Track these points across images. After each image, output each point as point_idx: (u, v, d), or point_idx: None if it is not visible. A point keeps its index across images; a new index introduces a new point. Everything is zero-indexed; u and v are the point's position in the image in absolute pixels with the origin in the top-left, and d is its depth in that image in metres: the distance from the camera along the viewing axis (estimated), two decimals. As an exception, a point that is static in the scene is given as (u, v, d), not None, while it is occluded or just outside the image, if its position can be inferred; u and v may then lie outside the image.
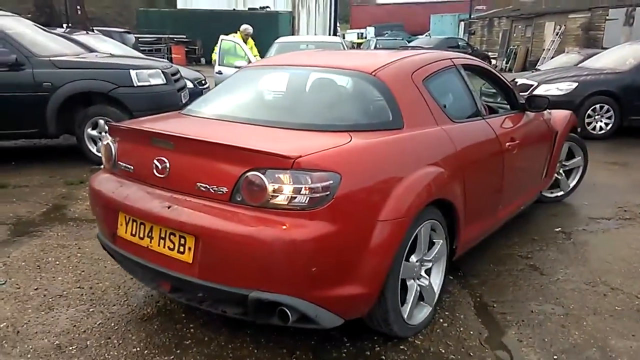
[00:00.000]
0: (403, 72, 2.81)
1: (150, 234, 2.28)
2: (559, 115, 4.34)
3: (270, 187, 2.00)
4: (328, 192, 2.02)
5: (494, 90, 4.10)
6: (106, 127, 5.31)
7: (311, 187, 2.00)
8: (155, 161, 2.29)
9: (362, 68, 2.82)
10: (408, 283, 2.49)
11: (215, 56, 8.91)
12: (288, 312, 2.03)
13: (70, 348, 2.43)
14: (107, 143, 2.62)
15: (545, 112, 3.98)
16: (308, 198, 2.00)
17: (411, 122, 2.58)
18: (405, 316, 2.46)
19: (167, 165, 2.26)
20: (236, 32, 9.16)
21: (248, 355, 2.38)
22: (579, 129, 4.66)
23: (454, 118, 2.91)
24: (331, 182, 2.02)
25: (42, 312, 2.74)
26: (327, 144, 2.19)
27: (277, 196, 2.01)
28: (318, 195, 2.00)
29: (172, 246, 2.20)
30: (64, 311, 2.75)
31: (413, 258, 2.46)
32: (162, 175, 2.28)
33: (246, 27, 9.18)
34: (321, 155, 2.10)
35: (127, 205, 2.35)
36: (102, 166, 2.74)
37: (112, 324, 2.63)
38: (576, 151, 4.62)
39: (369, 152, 2.32)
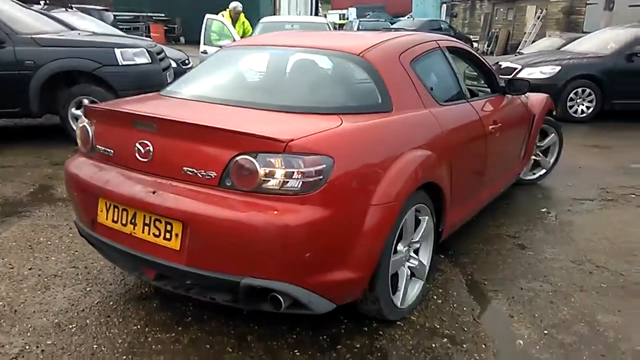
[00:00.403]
0: (390, 54, 2.79)
1: (133, 221, 2.20)
2: (536, 99, 4.42)
3: (261, 172, 1.96)
4: (321, 177, 1.98)
5: (473, 73, 4.15)
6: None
7: (304, 171, 1.96)
8: (137, 144, 2.21)
9: (349, 49, 2.78)
10: (398, 271, 2.50)
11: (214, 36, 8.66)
12: (280, 298, 2.01)
13: (70, 326, 2.43)
14: (84, 125, 2.51)
15: (522, 95, 4.04)
16: (301, 182, 1.96)
17: (400, 104, 2.56)
18: (399, 303, 2.48)
19: (151, 148, 2.18)
20: (225, 10, 8.99)
21: (249, 332, 2.41)
22: (554, 112, 4.75)
23: (440, 100, 2.91)
24: (324, 166, 1.99)
25: (39, 292, 2.73)
26: (318, 127, 2.15)
27: (269, 181, 1.96)
28: (311, 179, 1.97)
29: (157, 233, 2.13)
30: (60, 290, 2.75)
31: (400, 246, 2.45)
32: (145, 160, 2.20)
33: (236, 5, 8.97)
34: (314, 139, 2.06)
35: (108, 190, 2.26)
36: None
37: (111, 303, 2.63)
38: (549, 130, 4.68)
39: (360, 135, 2.29)
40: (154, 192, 2.12)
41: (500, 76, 4.07)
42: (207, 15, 8.71)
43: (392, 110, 2.52)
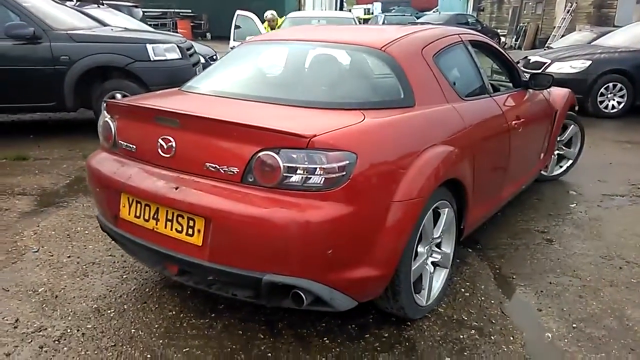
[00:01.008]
0: (413, 48, 2.76)
1: (156, 216, 2.22)
2: (559, 94, 4.35)
3: (284, 168, 1.95)
4: (344, 173, 1.96)
5: (497, 68, 4.11)
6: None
7: (327, 167, 1.94)
8: (160, 140, 2.22)
9: (371, 44, 2.76)
10: (422, 272, 2.49)
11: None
12: (302, 295, 2.00)
13: (109, 311, 2.53)
14: (106, 121, 2.53)
15: (545, 90, 3.99)
16: (323, 178, 1.95)
17: (422, 99, 2.54)
18: (424, 302, 2.48)
19: (173, 144, 2.19)
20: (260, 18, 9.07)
21: (279, 320, 2.48)
22: (576, 107, 4.68)
23: (463, 95, 2.88)
24: (347, 162, 1.97)
25: (78, 278, 2.84)
26: (341, 123, 2.14)
27: (291, 177, 1.95)
28: (334, 175, 1.95)
29: (180, 228, 2.14)
30: (98, 277, 2.86)
31: (420, 248, 2.42)
32: (167, 155, 2.21)
33: (270, 16, 9.02)
34: (337, 134, 2.04)
35: (131, 186, 2.27)
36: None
37: (147, 290, 2.73)
38: (567, 123, 4.55)
39: (383, 130, 2.27)
40: (176, 188, 2.13)
41: (527, 70, 4.02)
42: (238, 11, 8.76)
43: (415, 105, 2.49)
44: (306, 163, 1.95)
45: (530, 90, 3.80)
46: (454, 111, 2.71)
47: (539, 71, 7.18)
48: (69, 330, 2.38)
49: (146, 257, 2.44)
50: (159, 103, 2.58)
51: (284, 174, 1.96)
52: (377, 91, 2.69)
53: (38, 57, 5.51)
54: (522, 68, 8.11)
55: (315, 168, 1.95)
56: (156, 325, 2.42)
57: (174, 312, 2.53)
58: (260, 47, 3.32)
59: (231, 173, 2.06)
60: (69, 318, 2.48)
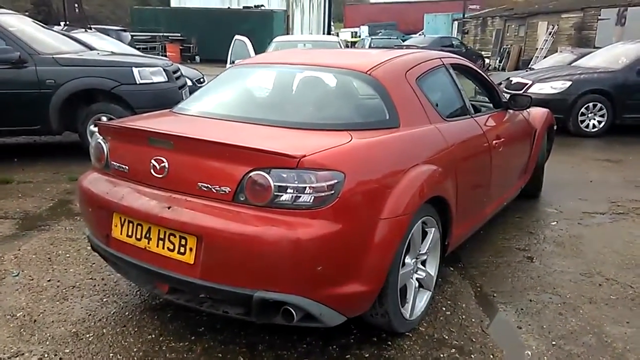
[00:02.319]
0: (397, 71, 2.86)
1: (148, 235, 2.25)
2: (537, 113, 4.49)
3: (274, 187, 2.01)
4: (333, 191, 2.03)
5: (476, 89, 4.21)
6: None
7: (316, 186, 2.01)
8: (152, 161, 2.27)
9: (357, 67, 2.85)
10: (407, 283, 2.54)
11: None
12: (293, 311, 2.05)
13: (88, 336, 2.51)
14: (98, 142, 2.58)
15: (525, 110, 4.09)
16: (313, 197, 2.01)
17: (407, 120, 2.63)
18: (408, 315, 2.51)
19: (166, 165, 2.24)
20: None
21: (260, 341, 2.47)
22: (555, 127, 4.81)
23: (445, 116, 2.98)
24: (336, 181, 2.04)
25: (57, 302, 2.81)
26: (329, 143, 2.20)
27: (282, 195, 2.01)
28: (323, 194, 2.02)
29: (172, 247, 2.18)
30: (78, 301, 2.83)
31: (408, 259, 2.48)
32: (160, 175, 2.26)
33: None
34: (325, 154, 2.11)
35: (123, 205, 2.31)
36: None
37: (127, 313, 2.71)
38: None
39: (370, 150, 2.35)
40: (169, 207, 2.18)
41: (510, 91, 4.12)
42: (236, 36, 9.23)
43: (400, 126, 2.58)
44: (296, 182, 2.01)
45: (510, 111, 3.89)
46: (436, 131, 2.79)
47: (520, 92, 7.32)
48: (46, 355, 2.35)
49: (137, 276, 2.47)
50: (151, 125, 2.63)
51: (275, 193, 2.02)
52: (363, 113, 2.76)
53: (24, 81, 5.51)
54: (504, 89, 8.31)
55: (305, 187, 2.01)
56: (135, 349, 2.40)
57: (153, 336, 2.51)
58: (249, 70, 3.38)
59: (223, 192, 2.11)
60: (47, 343, 2.45)
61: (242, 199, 2.08)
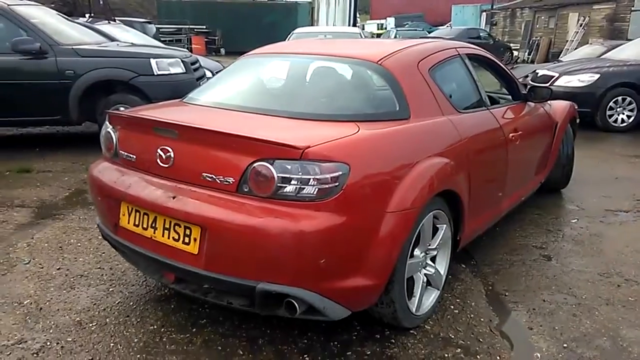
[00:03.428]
0: (409, 61, 2.78)
1: (154, 225, 2.26)
2: (559, 106, 4.32)
3: (278, 178, 1.99)
4: (337, 183, 2.00)
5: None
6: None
7: (320, 178, 1.98)
8: (158, 150, 2.27)
9: (367, 57, 2.79)
10: (414, 276, 2.49)
11: None
12: (295, 303, 2.02)
13: (91, 325, 2.51)
14: (108, 131, 2.59)
15: (545, 103, 3.95)
16: (317, 189, 1.98)
17: (417, 112, 2.56)
18: (414, 309, 2.46)
19: (172, 154, 2.24)
20: None
21: (261, 336, 2.44)
22: (577, 120, 4.63)
23: (459, 108, 2.89)
24: (340, 172, 2.01)
25: (64, 291, 2.84)
26: (335, 134, 2.17)
27: (285, 187, 1.99)
28: (327, 186, 1.99)
29: (177, 237, 2.18)
30: (84, 290, 2.85)
31: (417, 251, 2.44)
32: (165, 165, 2.26)
33: None
34: (330, 146, 2.07)
35: (130, 195, 2.32)
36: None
37: (131, 303, 2.71)
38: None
39: (377, 142, 2.30)
40: (174, 197, 2.17)
41: (534, 84, 3.98)
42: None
43: (410, 118, 2.52)
44: (300, 174, 1.98)
45: (530, 104, 3.75)
46: (449, 123, 2.71)
47: (548, 84, 7.11)
48: (48, 343, 2.37)
49: (145, 265, 2.48)
50: (159, 114, 2.64)
51: (278, 184, 1.99)
52: (372, 103, 2.71)
53: (44, 72, 5.59)
54: (530, 81, 8.08)
55: (309, 179, 1.98)
56: (136, 340, 2.40)
57: (155, 327, 2.50)
58: (261, 60, 3.35)
59: (227, 183, 2.09)
60: (50, 331, 2.47)
61: (245, 189, 2.06)
